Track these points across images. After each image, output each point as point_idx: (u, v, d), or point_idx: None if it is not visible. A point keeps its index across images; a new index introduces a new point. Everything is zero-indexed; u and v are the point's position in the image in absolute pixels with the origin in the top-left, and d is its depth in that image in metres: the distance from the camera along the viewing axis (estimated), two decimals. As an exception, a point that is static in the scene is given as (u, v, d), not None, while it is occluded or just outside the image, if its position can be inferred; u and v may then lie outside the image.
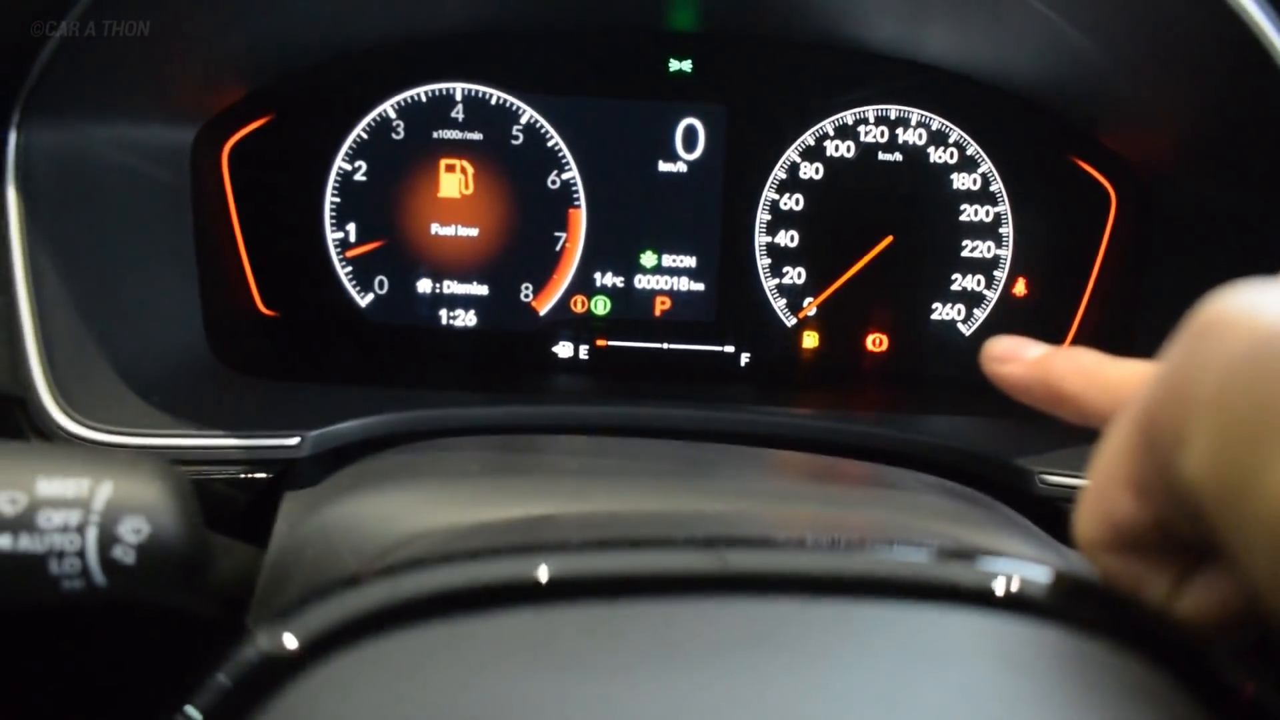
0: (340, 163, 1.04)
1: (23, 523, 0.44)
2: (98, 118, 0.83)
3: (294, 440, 0.75)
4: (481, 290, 1.05)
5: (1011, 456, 0.79)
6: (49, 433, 0.72)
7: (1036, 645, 0.35)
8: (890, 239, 1.03)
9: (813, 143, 1.03)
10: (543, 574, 0.33)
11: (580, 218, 1.04)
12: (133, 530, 0.46)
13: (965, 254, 1.03)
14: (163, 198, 0.92)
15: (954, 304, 1.04)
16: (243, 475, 0.74)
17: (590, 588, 0.33)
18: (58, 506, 0.45)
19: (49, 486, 0.45)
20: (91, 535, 0.45)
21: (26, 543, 0.44)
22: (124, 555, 0.46)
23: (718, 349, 1.05)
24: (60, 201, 0.78)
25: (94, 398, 0.74)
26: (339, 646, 0.34)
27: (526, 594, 0.33)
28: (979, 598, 0.35)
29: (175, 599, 0.52)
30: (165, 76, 0.89)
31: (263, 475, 0.74)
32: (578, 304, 1.05)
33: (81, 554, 0.45)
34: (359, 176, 1.04)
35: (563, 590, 0.33)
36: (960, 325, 1.04)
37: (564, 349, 1.05)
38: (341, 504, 0.52)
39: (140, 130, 0.89)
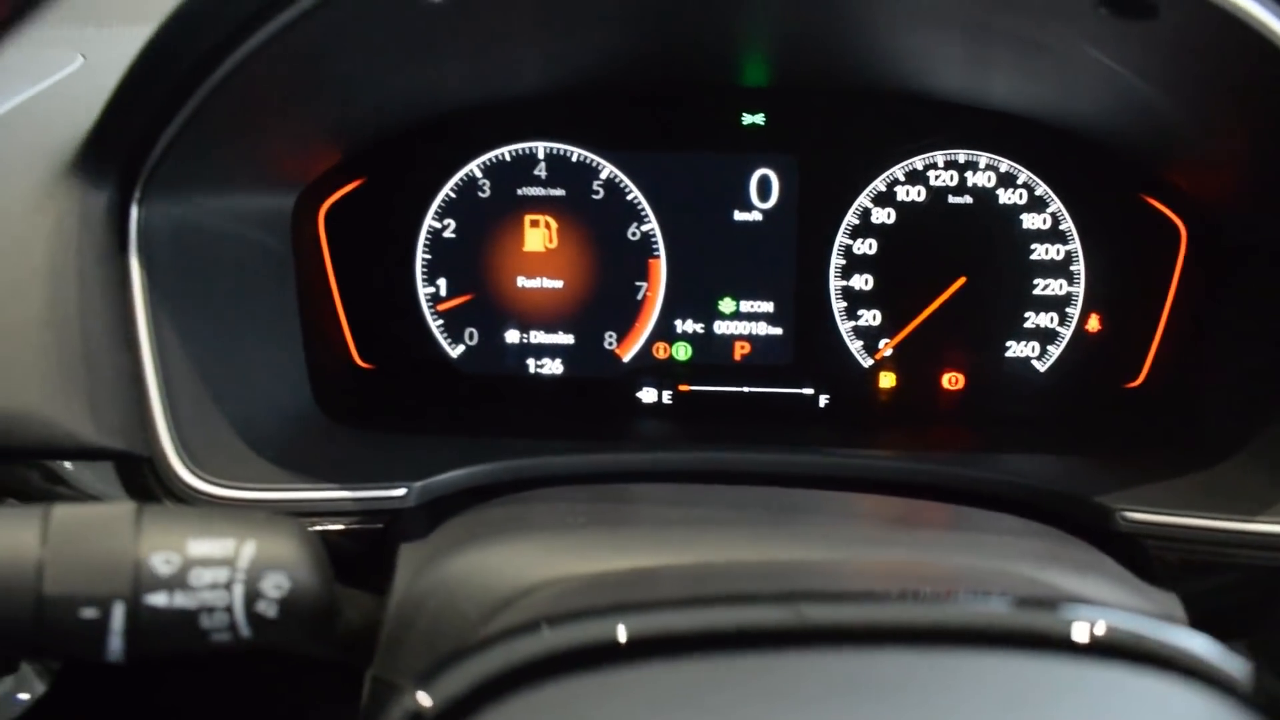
0: (430, 221, 1.09)
1: (177, 581, 0.49)
2: (207, 190, 0.88)
3: (400, 491, 0.80)
4: (567, 339, 1.10)
5: (1091, 494, 0.81)
6: (174, 489, 0.76)
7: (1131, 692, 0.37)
8: (963, 279, 1.06)
9: (884, 188, 1.07)
10: (671, 626, 0.37)
11: (660, 267, 1.08)
12: (274, 586, 0.50)
13: (1037, 292, 1.06)
14: (267, 261, 0.97)
15: (1028, 341, 1.06)
16: (355, 526, 0.78)
17: (711, 642, 0.36)
18: (207, 565, 0.49)
19: (199, 547, 0.49)
20: (238, 591, 0.49)
21: (181, 599, 0.49)
22: (267, 609, 0.50)
23: (796, 391, 1.09)
24: (176, 270, 0.83)
25: (214, 455, 0.79)
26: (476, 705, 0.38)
27: (648, 650, 0.36)
28: (1071, 645, 0.38)
29: (308, 647, 0.56)
30: (267, 149, 0.95)
31: (375, 526, 0.78)
32: (660, 350, 1.09)
33: (229, 609, 0.49)
34: (448, 234, 1.09)
35: (685, 645, 0.36)
36: (1035, 362, 1.07)
37: (648, 394, 1.09)
38: (457, 557, 0.56)
39: (245, 199, 0.94)
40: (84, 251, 0.77)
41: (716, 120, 1.08)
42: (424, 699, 0.41)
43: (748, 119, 1.07)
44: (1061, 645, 0.38)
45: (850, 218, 1.07)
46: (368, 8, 0.74)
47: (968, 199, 1.06)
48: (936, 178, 1.06)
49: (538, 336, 1.10)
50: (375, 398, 1.08)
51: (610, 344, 1.09)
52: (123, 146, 0.78)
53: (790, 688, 0.34)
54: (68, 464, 0.78)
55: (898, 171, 1.07)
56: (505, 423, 1.03)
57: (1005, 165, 1.06)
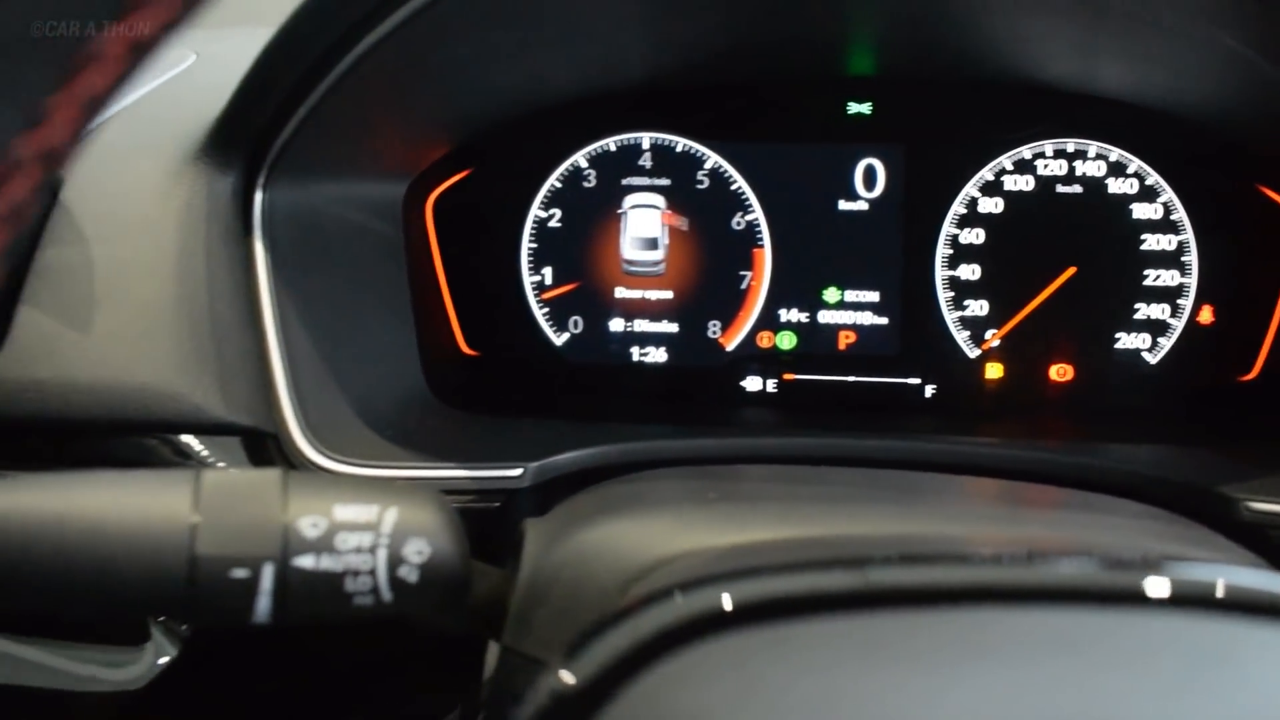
0: (536, 210, 1.10)
1: (323, 544, 0.50)
2: (325, 177, 0.90)
3: (517, 471, 0.81)
4: (671, 328, 1.10)
5: (1212, 483, 0.79)
6: (298, 465, 0.78)
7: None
8: (1073, 270, 1.05)
9: (991, 178, 1.06)
10: (847, 583, 0.37)
11: (765, 257, 1.08)
12: (416, 552, 0.51)
13: (1148, 283, 1.04)
14: (380, 247, 0.99)
15: (1139, 333, 1.05)
16: (472, 505, 0.80)
17: (873, 599, 0.36)
18: (353, 529, 0.50)
19: (344, 512, 0.51)
20: (382, 556, 0.50)
21: (327, 562, 0.50)
22: (408, 574, 0.51)
23: (902, 381, 1.08)
24: (297, 253, 0.85)
25: (335, 433, 0.81)
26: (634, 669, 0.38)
27: (825, 604, 0.37)
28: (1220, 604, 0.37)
29: (440, 616, 0.57)
30: (381, 139, 0.97)
31: (491, 505, 0.80)
32: (764, 339, 1.09)
33: (373, 572, 0.51)
34: (554, 223, 1.10)
35: (856, 601, 0.36)
36: (1145, 354, 1.05)
37: (752, 383, 1.09)
38: (590, 531, 0.56)
39: (360, 187, 0.96)
40: (211, 234, 0.79)
41: (822, 110, 1.08)
42: (567, 676, 0.42)
43: (854, 108, 1.07)
44: (1212, 604, 0.38)
45: (957, 207, 1.06)
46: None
47: (1077, 188, 1.05)
48: (1045, 167, 1.05)
49: (641, 325, 1.11)
50: (482, 383, 1.10)
51: (714, 333, 1.10)
52: (249, 134, 0.80)
53: (956, 644, 0.35)
54: (192, 438, 0.80)
55: (1005, 161, 1.06)
56: (610, 409, 1.04)
57: (1115, 154, 1.04)
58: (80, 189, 0.79)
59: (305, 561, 0.50)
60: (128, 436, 0.76)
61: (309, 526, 0.50)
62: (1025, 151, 1.06)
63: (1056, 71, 1.02)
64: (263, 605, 0.50)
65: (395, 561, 0.51)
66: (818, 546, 0.45)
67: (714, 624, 0.39)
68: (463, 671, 0.81)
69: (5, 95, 0.26)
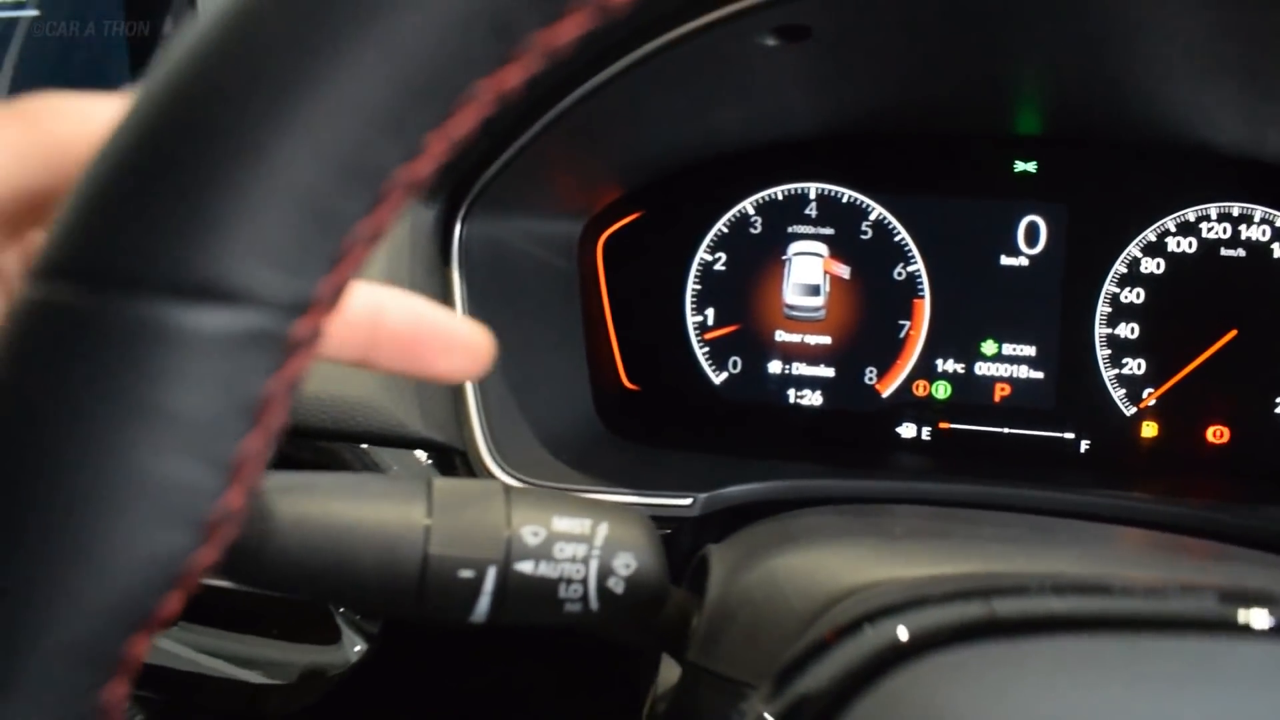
0: (702, 254, 1.15)
1: (542, 552, 0.54)
2: (513, 214, 0.96)
3: (687, 501, 0.85)
4: (828, 372, 1.14)
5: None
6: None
7: None
8: (1234, 333, 1.05)
9: (1154, 239, 1.07)
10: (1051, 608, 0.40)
11: (924, 307, 1.11)
12: (624, 565, 0.55)
13: (1312, 349, 1.04)
14: (557, 283, 1.05)
15: (1300, 398, 1.05)
16: (646, 530, 0.84)
17: (1060, 624, 0.39)
18: (569, 540, 0.55)
19: (562, 523, 0.55)
20: (593, 566, 0.55)
21: (544, 569, 0.54)
22: (615, 585, 0.55)
23: (1057, 435, 1.10)
24: (488, 285, 0.91)
25: (517, 453, 0.87)
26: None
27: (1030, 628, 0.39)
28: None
29: (635, 630, 0.61)
30: (564, 182, 1.03)
31: (663, 531, 0.84)
32: (919, 388, 1.12)
33: (584, 581, 0.55)
34: (718, 266, 1.15)
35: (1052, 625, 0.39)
36: (1307, 419, 1.05)
37: (907, 430, 1.12)
38: (780, 557, 0.60)
39: (542, 225, 1.02)
40: (415, 262, 0.85)
41: (988, 167, 1.10)
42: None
43: (1020, 166, 1.09)
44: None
45: (1118, 266, 1.08)
46: (702, 51, 0.80)
47: (1241, 252, 1.06)
48: (1209, 230, 1.07)
49: (799, 368, 1.14)
50: (643, 416, 1.14)
51: (870, 379, 1.13)
52: (458, 171, 0.86)
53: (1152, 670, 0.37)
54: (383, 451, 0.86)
55: (1169, 222, 1.07)
56: (766, 448, 1.08)
57: (1282, 220, 1.05)
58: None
59: (525, 567, 0.54)
60: (334, 442, 0.82)
61: (530, 534, 0.54)
62: (1189, 214, 1.07)
63: (1224, 137, 1.03)
64: (482, 605, 0.54)
65: (605, 573, 0.55)
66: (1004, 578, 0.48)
67: (914, 652, 0.42)
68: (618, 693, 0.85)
69: (392, 131, 0.30)
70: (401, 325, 0.52)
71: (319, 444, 0.83)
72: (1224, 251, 1.06)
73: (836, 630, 0.45)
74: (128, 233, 0.30)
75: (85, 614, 0.30)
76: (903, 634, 0.42)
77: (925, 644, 0.40)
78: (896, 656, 0.40)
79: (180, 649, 0.90)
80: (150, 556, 0.30)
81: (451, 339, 0.54)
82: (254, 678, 0.88)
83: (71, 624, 0.30)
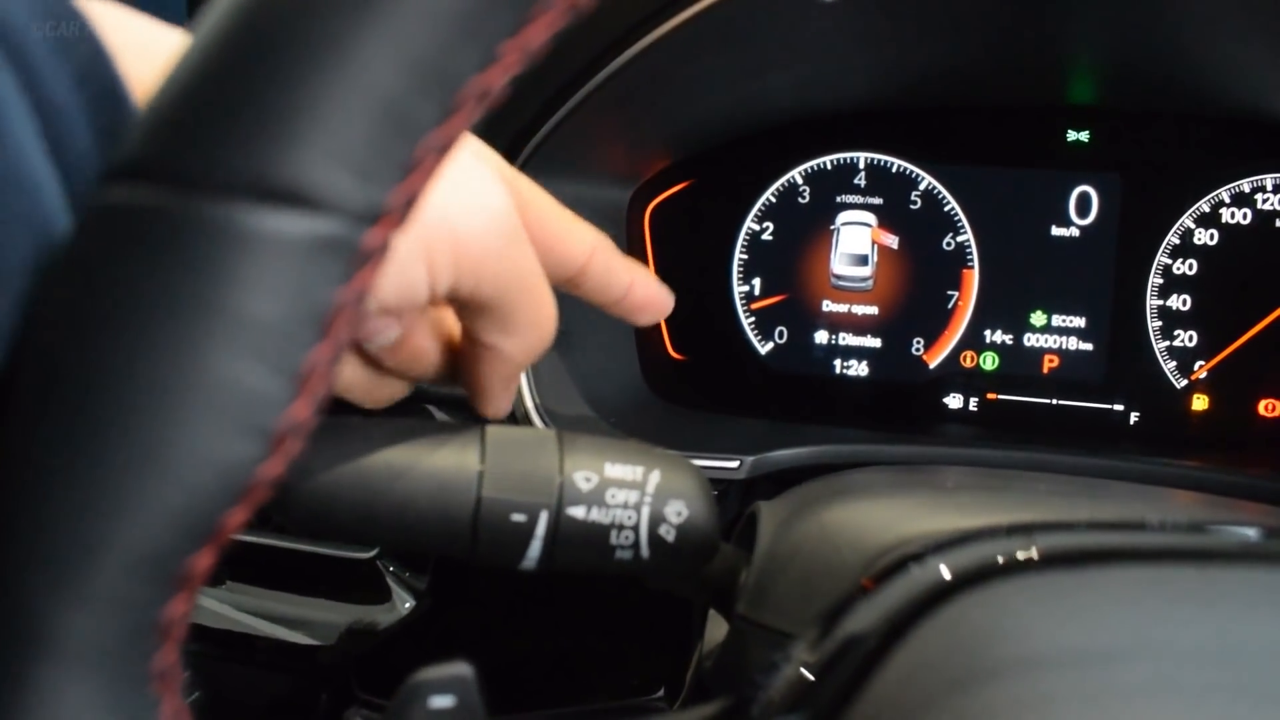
0: (749, 223, 1.15)
1: (594, 498, 0.54)
2: (563, 178, 0.96)
3: (734, 463, 0.85)
4: (875, 343, 1.13)
5: None
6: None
7: None
8: (1288, 305, 1.04)
9: (1207, 209, 1.06)
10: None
11: (973, 278, 1.10)
12: (675, 513, 0.55)
13: (1367, 322, 1.03)
14: (606, 251, 1.04)
15: (1355, 371, 1.04)
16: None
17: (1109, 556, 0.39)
18: (621, 486, 0.55)
19: (614, 470, 0.55)
20: (645, 513, 0.55)
21: (596, 514, 0.54)
22: (667, 533, 0.55)
23: (1106, 407, 1.09)
24: (536, 250, 0.91)
25: (567, 417, 0.87)
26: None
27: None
28: None
29: (688, 579, 0.61)
30: (613, 147, 1.02)
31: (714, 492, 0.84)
32: (967, 359, 1.11)
33: (636, 528, 0.55)
34: (766, 236, 1.14)
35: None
36: (1361, 393, 1.04)
37: (954, 400, 1.12)
38: (829, 511, 0.60)
39: (591, 190, 1.02)
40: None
41: (1040, 136, 1.09)
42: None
43: (1072, 135, 1.08)
44: None
45: (1171, 237, 1.07)
46: (753, 9, 0.80)
47: (1296, 224, 1.05)
48: (1264, 200, 1.05)
49: (846, 339, 1.14)
50: (692, 384, 1.14)
51: (918, 350, 1.12)
52: (508, 134, 0.86)
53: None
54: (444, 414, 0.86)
55: (1223, 193, 1.06)
56: (812, 416, 1.08)
57: (1340, 191, 1.04)
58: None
59: (577, 512, 0.54)
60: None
61: (582, 480, 0.55)
62: (1244, 185, 1.06)
63: (1279, 105, 1.02)
64: (534, 550, 0.55)
65: (656, 520, 0.55)
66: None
67: (996, 572, 0.42)
68: (666, 651, 0.86)
69: (468, 36, 0.30)
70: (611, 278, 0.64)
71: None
72: (1279, 223, 1.05)
73: (877, 574, 0.45)
74: (205, 135, 0.30)
75: (152, 524, 0.30)
76: (945, 573, 0.42)
77: (967, 580, 0.40)
78: (940, 595, 0.40)
79: (231, 610, 0.91)
80: (218, 464, 0.30)
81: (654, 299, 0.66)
82: (304, 637, 0.89)
83: (139, 534, 0.30)
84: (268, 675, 0.90)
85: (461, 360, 0.60)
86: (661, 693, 0.87)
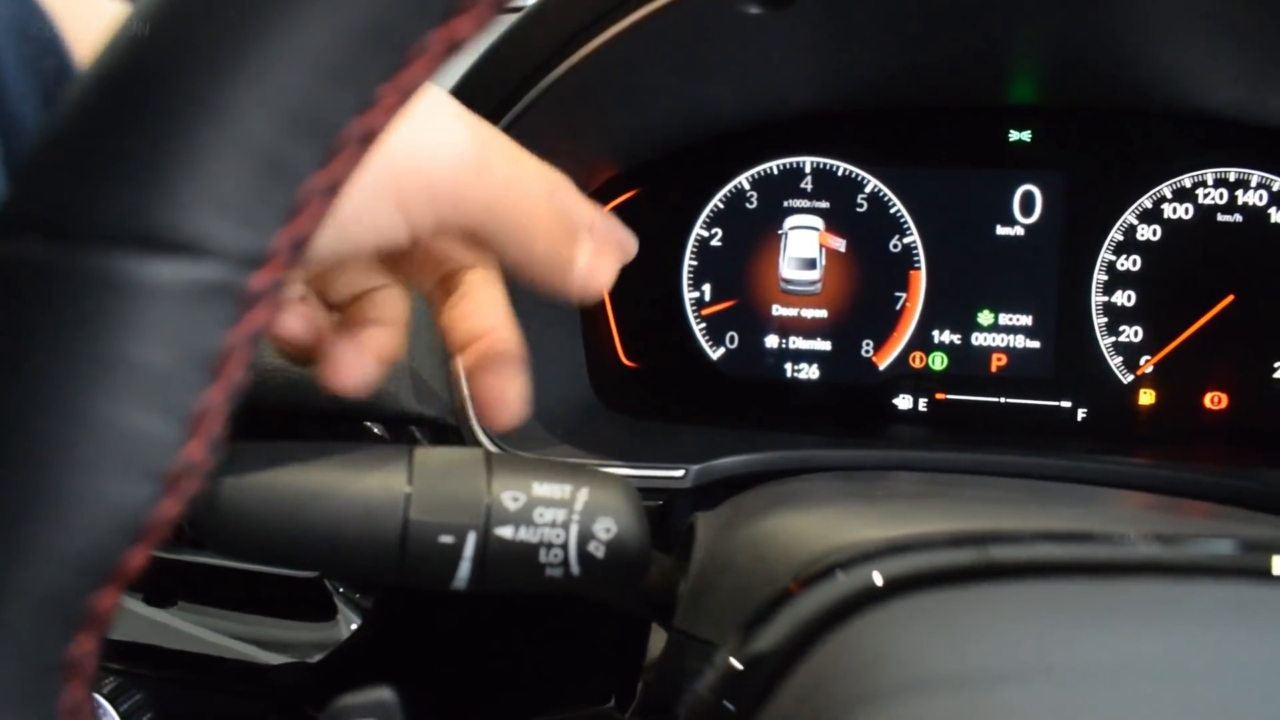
0: (698, 230, 1.15)
1: (522, 517, 0.55)
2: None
3: (679, 472, 0.85)
4: (825, 346, 1.14)
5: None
6: (477, 458, 0.84)
7: None
8: (1230, 298, 1.05)
9: (1150, 205, 1.07)
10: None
11: (920, 279, 1.11)
12: (604, 529, 0.56)
13: (1311, 313, 1.04)
14: (553, 261, 1.05)
15: (1298, 363, 1.05)
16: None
17: (1023, 570, 0.40)
18: (549, 505, 0.55)
19: (542, 488, 0.55)
20: (574, 530, 0.55)
21: (524, 534, 0.55)
22: (596, 550, 0.56)
23: (1054, 404, 1.10)
24: (480, 263, 0.91)
25: (510, 431, 0.87)
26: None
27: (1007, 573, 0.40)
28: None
29: (619, 594, 0.62)
30: (558, 159, 1.02)
31: (653, 503, 0.84)
32: (916, 359, 1.12)
33: (564, 546, 0.55)
34: (715, 242, 1.15)
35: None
36: (1305, 384, 1.05)
37: (904, 401, 1.12)
38: (762, 522, 0.60)
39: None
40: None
41: (982, 136, 1.10)
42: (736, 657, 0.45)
43: (1014, 135, 1.09)
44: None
45: (1115, 234, 1.08)
46: (687, 20, 0.80)
47: (1237, 217, 1.05)
48: (1205, 195, 1.06)
49: (796, 342, 1.14)
50: (642, 392, 1.15)
51: (867, 352, 1.13)
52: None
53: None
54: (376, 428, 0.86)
55: (1165, 189, 1.07)
56: (764, 421, 1.08)
57: (1278, 184, 1.04)
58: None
59: (505, 532, 0.54)
60: (329, 422, 0.83)
61: (510, 500, 0.55)
62: (1185, 180, 1.06)
63: (1220, 100, 1.03)
64: (464, 571, 0.55)
65: (585, 537, 0.55)
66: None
67: (887, 593, 0.42)
68: (616, 662, 0.86)
69: (343, 83, 0.31)
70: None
71: (315, 423, 0.84)
72: (1221, 217, 1.06)
73: (803, 579, 0.46)
74: (82, 185, 0.30)
75: (49, 567, 0.31)
76: (877, 579, 0.42)
77: (892, 590, 0.40)
78: (862, 602, 0.40)
79: (182, 631, 0.91)
80: (113, 508, 0.31)
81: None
82: (251, 655, 0.89)
83: (36, 577, 0.31)
84: (218, 697, 0.90)
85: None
86: (613, 702, 0.87)
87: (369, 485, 0.54)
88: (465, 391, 0.85)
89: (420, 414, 0.82)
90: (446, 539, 0.54)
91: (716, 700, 0.44)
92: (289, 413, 0.82)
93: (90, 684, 0.34)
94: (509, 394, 0.60)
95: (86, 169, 0.30)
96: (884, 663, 0.35)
